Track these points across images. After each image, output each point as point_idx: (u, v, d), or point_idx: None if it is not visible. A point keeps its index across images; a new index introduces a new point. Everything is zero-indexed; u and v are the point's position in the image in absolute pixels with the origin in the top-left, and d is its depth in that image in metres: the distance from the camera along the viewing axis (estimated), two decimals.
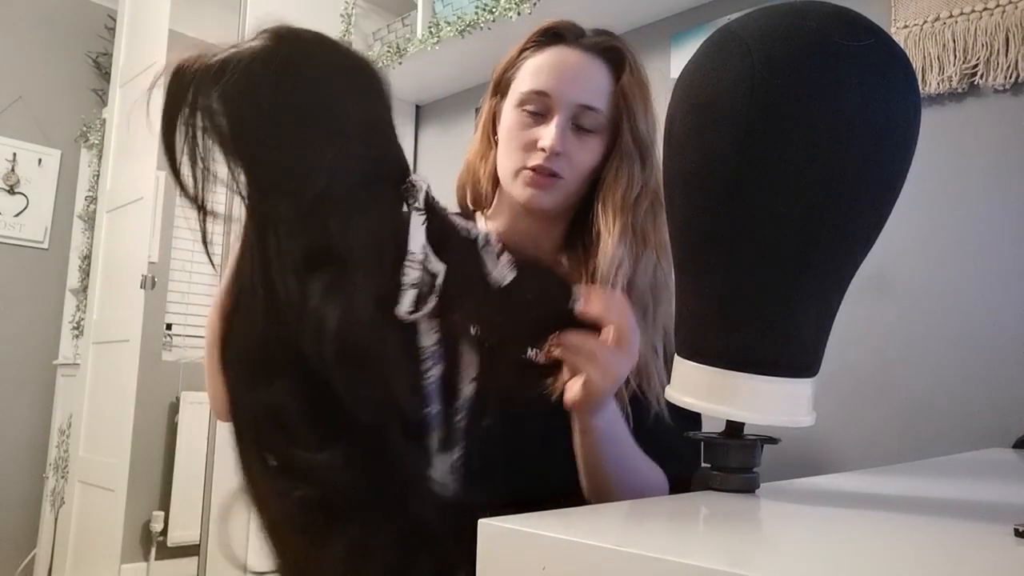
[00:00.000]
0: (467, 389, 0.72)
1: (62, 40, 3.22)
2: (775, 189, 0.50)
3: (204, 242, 0.64)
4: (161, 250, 3.16)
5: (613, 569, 0.34)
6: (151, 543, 2.94)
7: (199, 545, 2.13)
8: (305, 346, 0.56)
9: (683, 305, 0.58)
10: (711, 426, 0.61)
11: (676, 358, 0.58)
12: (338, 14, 2.36)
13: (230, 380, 0.61)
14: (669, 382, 0.62)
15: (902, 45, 1.36)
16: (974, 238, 1.33)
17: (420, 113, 2.58)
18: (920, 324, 1.38)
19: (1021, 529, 0.40)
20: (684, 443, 0.73)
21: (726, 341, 0.54)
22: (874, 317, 1.41)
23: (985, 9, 1.34)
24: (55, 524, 2.81)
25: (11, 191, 3.09)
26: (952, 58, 1.37)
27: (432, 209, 0.66)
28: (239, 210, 0.61)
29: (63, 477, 2.85)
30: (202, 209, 0.60)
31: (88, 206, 3.18)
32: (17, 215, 3.11)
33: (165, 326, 3.14)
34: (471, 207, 1.02)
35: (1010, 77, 1.31)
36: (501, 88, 0.98)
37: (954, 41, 1.37)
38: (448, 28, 2.00)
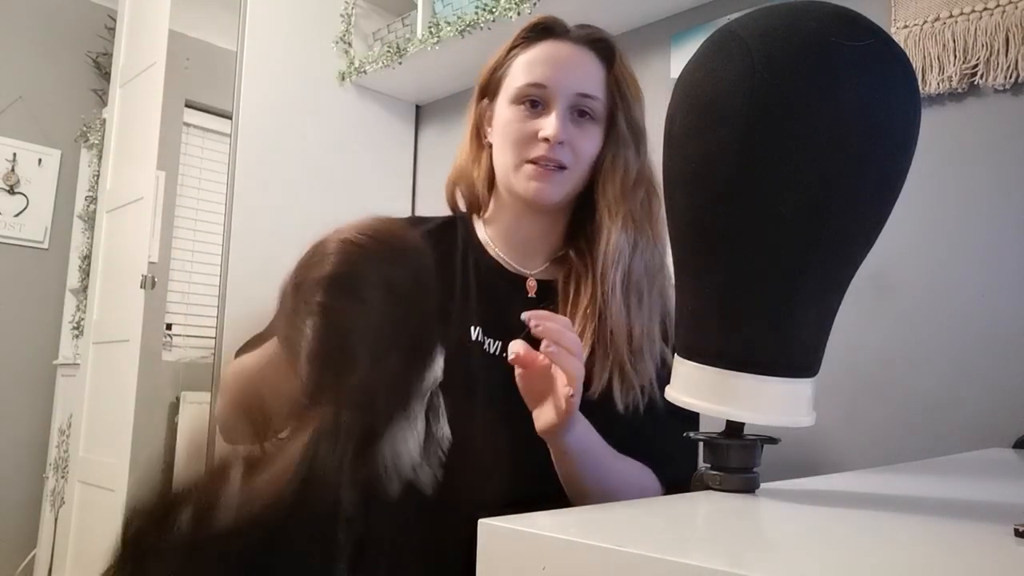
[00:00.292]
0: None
1: (62, 40, 3.22)
2: (775, 189, 0.50)
3: None
4: (161, 250, 3.16)
5: (613, 569, 0.34)
6: None
7: None
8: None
9: (683, 305, 0.58)
10: (711, 426, 0.61)
11: (676, 358, 0.58)
12: (338, 14, 2.36)
13: None
14: (667, 359, 0.62)
15: (902, 45, 1.36)
16: (974, 238, 1.33)
17: (420, 113, 2.58)
18: (920, 324, 1.38)
19: (1021, 529, 0.40)
20: (681, 441, 0.73)
21: (726, 341, 0.54)
22: (874, 317, 1.41)
23: (985, 9, 1.34)
24: (55, 524, 2.81)
25: (11, 191, 3.09)
26: (952, 58, 1.37)
27: None
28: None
29: (63, 477, 2.84)
30: None
31: (88, 206, 3.18)
32: (17, 215, 3.11)
33: (165, 326, 3.14)
34: (464, 210, 1.02)
35: (1010, 77, 1.31)
36: (490, 90, 0.98)
37: (954, 41, 1.37)
38: (448, 28, 2.00)
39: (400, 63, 2.21)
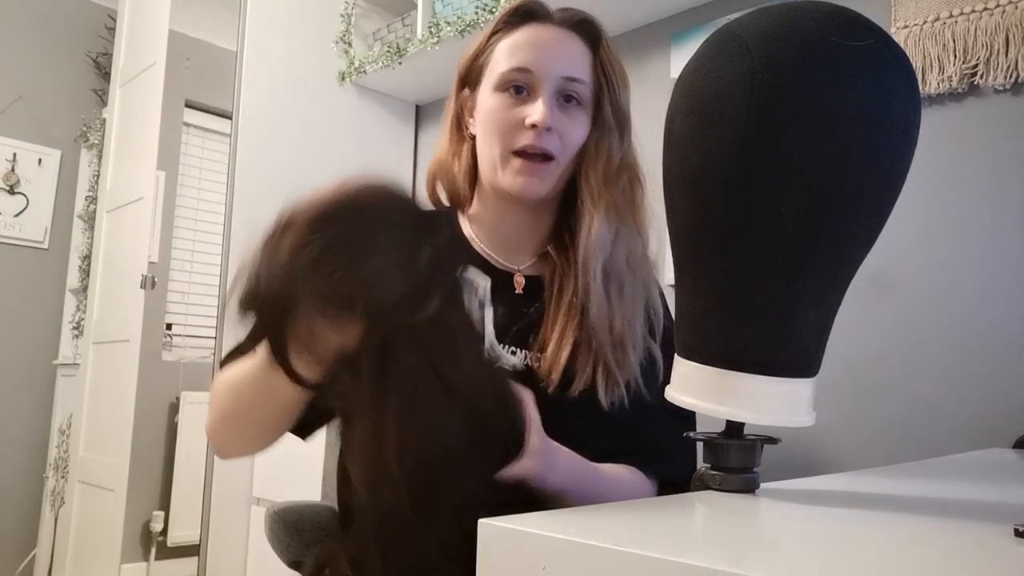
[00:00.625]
0: None
1: (62, 40, 3.22)
2: (775, 189, 0.50)
3: None
4: (161, 250, 3.16)
5: (613, 569, 0.34)
6: (151, 543, 2.94)
7: (199, 545, 2.13)
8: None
9: (683, 305, 0.58)
10: (711, 426, 0.61)
11: (676, 358, 0.58)
12: (338, 14, 2.36)
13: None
14: (652, 352, 0.61)
15: (902, 45, 1.36)
16: (974, 238, 1.33)
17: (420, 113, 2.59)
18: (920, 324, 1.38)
19: (1021, 529, 0.40)
20: (674, 436, 0.72)
21: (726, 341, 0.54)
22: (874, 317, 1.41)
23: (985, 9, 1.34)
24: (55, 524, 2.81)
25: (11, 191, 3.09)
26: (952, 58, 1.37)
27: None
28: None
29: (63, 477, 2.84)
30: None
31: (88, 206, 3.18)
32: (17, 215, 3.11)
33: (165, 326, 3.14)
34: (447, 204, 0.98)
35: (1010, 77, 1.31)
36: (471, 78, 0.94)
37: (954, 41, 1.37)
38: (448, 28, 2.00)
39: (400, 63, 2.21)
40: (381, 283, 0.56)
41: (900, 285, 1.40)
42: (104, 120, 3.02)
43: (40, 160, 3.17)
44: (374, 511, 0.64)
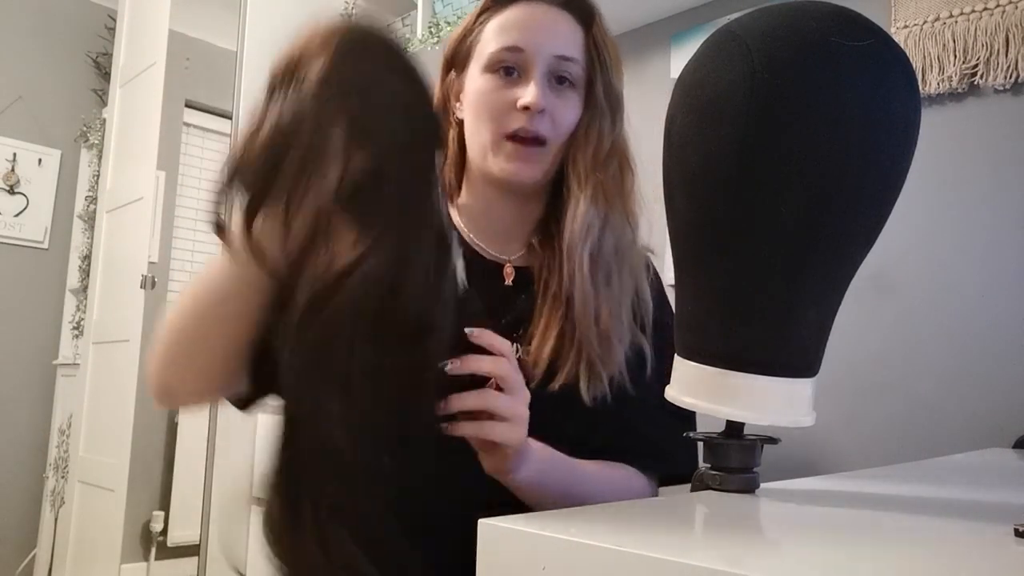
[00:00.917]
0: None
1: (62, 40, 3.22)
2: (775, 189, 0.50)
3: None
4: (161, 250, 3.17)
5: (613, 569, 0.34)
6: (151, 543, 2.94)
7: (199, 545, 2.13)
8: None
9: (683, 305, 0.58)
10: (711, 426, 0.61)
11: (676, 358, 0.58)
12: (338, 14, 2.36)
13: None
14: (641, 346, 0.58)
15: (902, 45, 1.36)
16: (974, 238, 1.33)
17: None
18: (920, 324, 1.38)
19: (1021, 529, 0.40)
20: (669, 430, 0.71)
21: (726, 341, 0.54)
22: (874, 317, 1.41)
23: (985, 9, 1.34)
24: (55, 524, 2.81)
25: (11, 191, 3.09)
26: (952, 58, 1.37)
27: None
28: None
29: (63, 477, 2.85)
30: None
31: (88, 206, 3.18)
32: (17, 215, 3.11)
33: None
34: None
35: (1010, 77, 1.31)
36: (458, 60, 0.91)
37: (954, 41, 1.37)
38: (448, 28, 2.00)
39: None
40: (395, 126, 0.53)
41: (900, 285, 1.40)
42: (104, 120, 3.02)
43: (40, 160, 3.17)
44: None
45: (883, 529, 0.44)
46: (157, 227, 3.10)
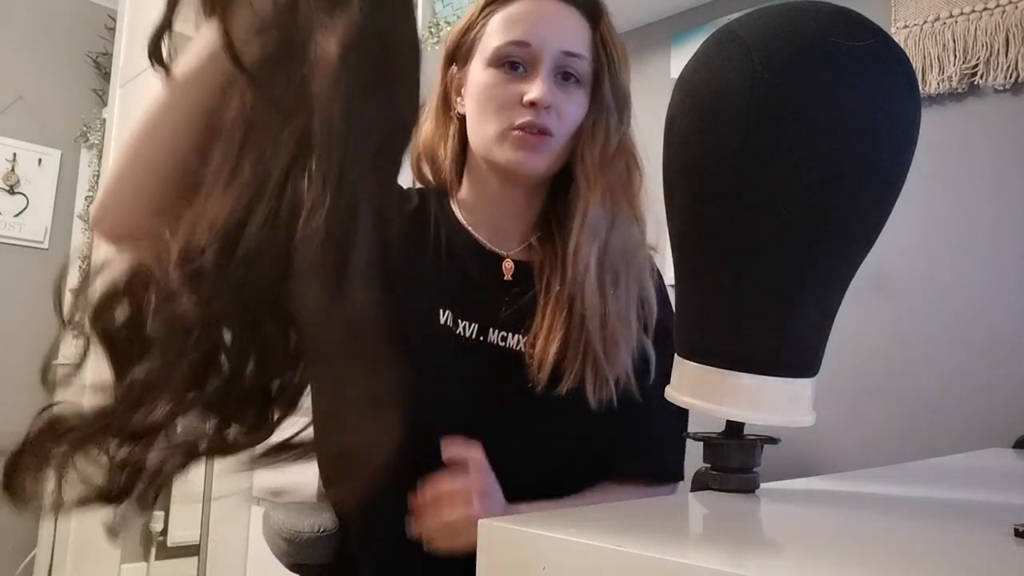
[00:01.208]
0: None
1: (62, 40, 3.22)
2: (775, 189, 0.50)
3: None
4: None
5: (613, 569, 0.34)
6: (151, 543, 2.94)
7: (199, 545, 2.13)
8: None
9: (683, 305, 0.58)
10: (711, 426, 0.61)
11: (676, 358, 0.58)
12: None
13: None
14: (645, 348, 0.57)
15: (902, 45, 1.36)
16: (974, 238, 1.33)
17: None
18: (920, 324, 1.38)
19: (1021, 529, 0.40)
20: (670, 432, 0.70)
21: (726, 341, 0.54)
22: (874, 317, 1.41)
23: (985, 9, 1.34)
24: (55, 524, 2.81)
25: (11, 191, 3.09)
26: (952, 58, 1.37)
27: None
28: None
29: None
30: None
31: (88, 206, 3.18)
32: (17, 215, 3.11)
33: None
34: (435, 185, 0.94)
35: (1010, 77, 1.31)
36: (460, 54, 0.90)
37: (954, 41, 1.37)
38: (448, 28, 2.00)
39: None
40: None
41: (900, 285, 1.40)
42: (104, 120, 3.02)
43: (40, 160, 3.17)
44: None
45: (883, 529, 0.44)
46: None
